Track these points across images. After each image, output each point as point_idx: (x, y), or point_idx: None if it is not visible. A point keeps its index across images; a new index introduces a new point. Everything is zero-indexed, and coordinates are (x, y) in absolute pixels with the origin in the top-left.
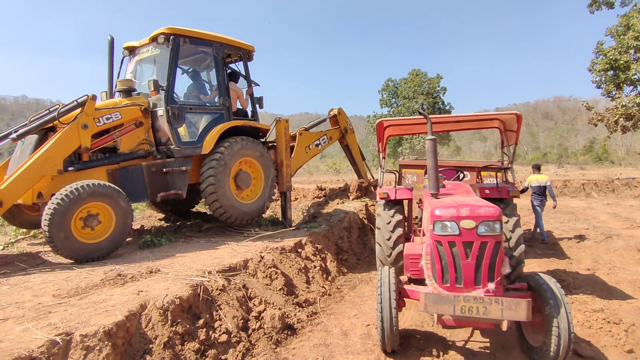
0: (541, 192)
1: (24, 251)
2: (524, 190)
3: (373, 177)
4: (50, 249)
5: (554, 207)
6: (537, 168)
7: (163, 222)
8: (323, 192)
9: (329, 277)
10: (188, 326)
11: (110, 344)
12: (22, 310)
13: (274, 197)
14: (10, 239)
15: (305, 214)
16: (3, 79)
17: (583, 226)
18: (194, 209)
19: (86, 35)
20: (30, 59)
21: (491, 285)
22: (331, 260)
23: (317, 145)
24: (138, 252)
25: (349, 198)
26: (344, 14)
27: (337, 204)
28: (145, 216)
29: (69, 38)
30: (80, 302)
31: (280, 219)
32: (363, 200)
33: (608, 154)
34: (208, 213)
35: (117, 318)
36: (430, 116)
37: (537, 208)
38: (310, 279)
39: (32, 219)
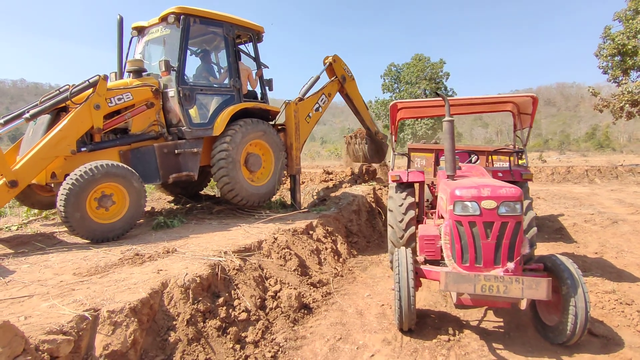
0: None
1: (38, 232)
2: None
3: (380, 130)
4: (66, 229)
5: None
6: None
7: (173, 204)
8: (330, 175)
9: (340, 259)
10: (209, 304)
11: (136, 320)
12: (45, 288)
13: (282, 181)
14: (23, 220)
15: (314, 197)
16: (2, 62)
17: (588, 211)
18: (202, 192)
19: (87, 19)
20: (29, 42)
21: (510, 265)
22: (341, 243)
23: (317, 110)
24: (152, 233)
25: (356, 182)
26: None
27: (345, 187)
28: (155, 198)
29: (70, 21)
30: (102, 280)
31: (289, 202)
32: (371, 184)
33: (610, 141)
34: (217, 196)
35: (141, 295)
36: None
37: None
38: (322, 260)
39: (44, 200)
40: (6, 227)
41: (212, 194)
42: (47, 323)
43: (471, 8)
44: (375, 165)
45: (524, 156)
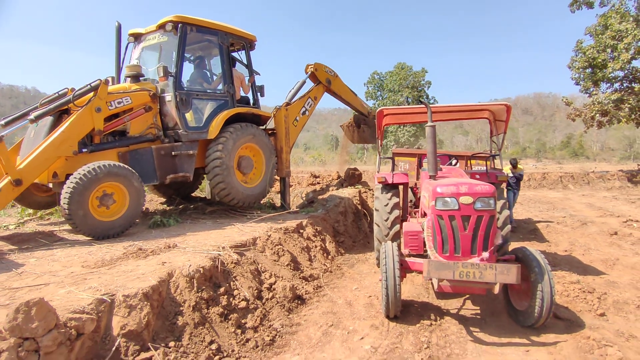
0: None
1: (37, 230)
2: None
3: (371, 110)
4: (65, 227)
5: None
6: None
7: (165, 205)
8: (317, 179)
9: (329, 257)
10: (211, 293)
11: (148, 304)
12: (58, 278)
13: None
14: (19, 219)
15: (302, 199)
16: None
17: (561, 214)
18: (192, 194)
19: (62, 21)
20: (3, 45)
21: (485, 254)
22: (330, 242)
23: (304, 113)
24: (150, 231)
25: (342, 185)
26: (332, 2)
27: (332, 190)
28: (147, 199)
29: (45, 23)
30: (110, 271)
31: (278, 204)
32: (356, 187)
33: (584, 150)
34: (207, 197)
35: (151, 283)
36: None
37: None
38: (312, 257)
39: (40, 200)
40: (4, 226)
41: (203, 195)
42: (69, 305)
43: (454, 17)
44: (360, 170)
45: (498, 159)
